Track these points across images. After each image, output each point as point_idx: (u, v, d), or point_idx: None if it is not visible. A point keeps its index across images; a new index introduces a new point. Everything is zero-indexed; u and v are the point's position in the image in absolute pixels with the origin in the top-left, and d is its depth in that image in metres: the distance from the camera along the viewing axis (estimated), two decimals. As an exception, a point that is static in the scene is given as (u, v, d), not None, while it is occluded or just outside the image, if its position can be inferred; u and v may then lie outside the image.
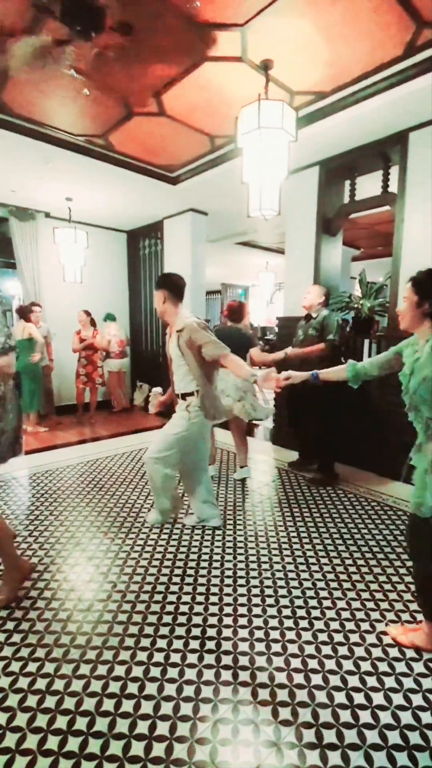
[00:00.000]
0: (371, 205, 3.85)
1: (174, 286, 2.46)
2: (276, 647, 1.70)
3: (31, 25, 2.38)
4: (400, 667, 1.61)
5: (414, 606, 1.95)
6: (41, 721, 1.38)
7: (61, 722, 1.37)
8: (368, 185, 3.91)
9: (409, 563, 2.26)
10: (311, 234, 4.11)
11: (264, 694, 1.49)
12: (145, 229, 6.36)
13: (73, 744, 1.30)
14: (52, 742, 1.30)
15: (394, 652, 1.68)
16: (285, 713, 1.41)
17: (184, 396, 2.48)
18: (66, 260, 5.23)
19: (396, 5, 2.26)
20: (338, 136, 3.49)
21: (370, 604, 1.97)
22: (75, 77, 2.85)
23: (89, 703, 1.44)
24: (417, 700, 1.47)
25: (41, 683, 1.52)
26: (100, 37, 2.44)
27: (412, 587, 2.08)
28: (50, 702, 1.45)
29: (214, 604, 1.96)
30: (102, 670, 1.59)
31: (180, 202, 5.16)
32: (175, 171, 4.52)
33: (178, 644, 1.71)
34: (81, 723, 1.37)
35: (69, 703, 1.44)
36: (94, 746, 1.29)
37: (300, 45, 2.57)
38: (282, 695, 1.48)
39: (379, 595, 2.04)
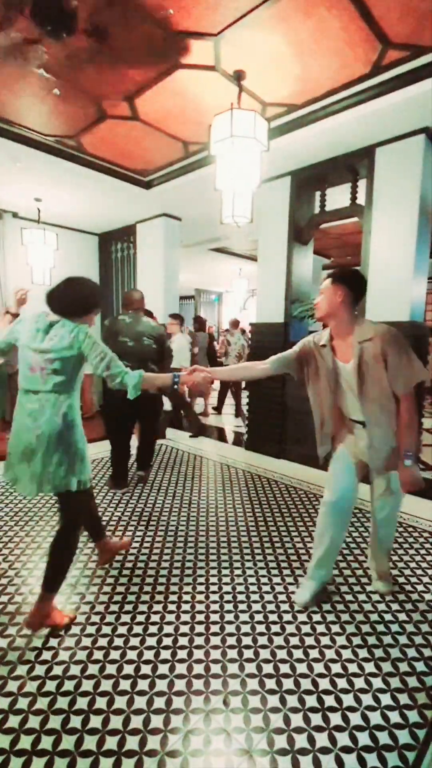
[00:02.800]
0: (340, 216, 3.97)
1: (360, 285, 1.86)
2: (248, 653, 1.70)
3: (1, 21, 2.32)
4: (369, 667, 1.64)
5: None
6: (3, 741, 1.31)
7: (25, 743, 1.31)
8: (338, 197, 4.04)
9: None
10: (283, 242, 4.19)
11: (236, 701, 1.48)
12: (117, 233, 6.30)
13: (38, 765, 1.24)
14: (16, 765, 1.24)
15: (363, 653, 1.71)
16: (257, 720, 1.41)
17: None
18: (34, 262, 5.09)
19: (363, 26, 2.36)
20: (309, 148, 3.59)
21: (344, 613, 2.00)
22: (45, 77, 2.80)
23: (55, 721, 1.38)
24: (385, 699, 1.50)
25: (2, 702, 1.45)
26: (72, 39, 2.42)
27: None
28: (13, 722, 1.38)
29: (185, 612, 1.94)
30: (69, 685, 1.53)
31: (153, 206, 5.15)
32: (149, 175, 4.51)
33: (149, 655, 1.68)
34: (46, 742, 1.31)
35: (33, 722, 1.38)
36: (61, 766, 1.24)
37: (272, 58, 2.63)
38: (254, 701, 1.48)
39: (349, 597, 2.07)
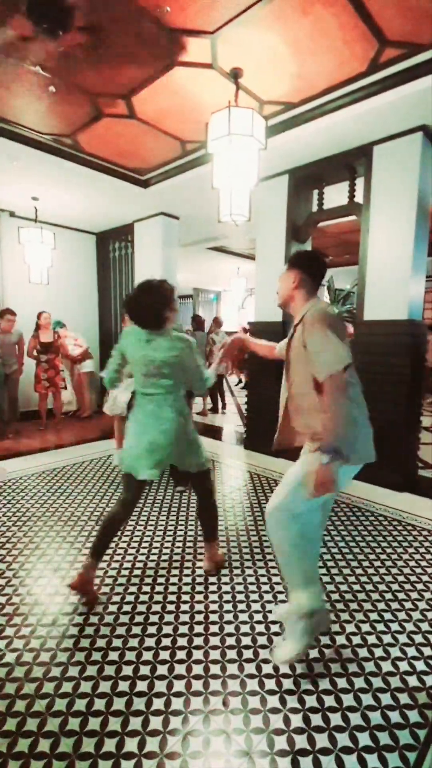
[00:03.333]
0: (338, 215, 3.96)
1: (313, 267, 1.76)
2: (247, 653, 1.69)
3: (-6, 18, 2.30)
4: (369, 666, 1.63)
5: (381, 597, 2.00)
6: (23, 745, 1.30)
7: (23, 746, 1.30)
8: (336, 195, 4.03)
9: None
10: (281, 241, 4.18)
11: (236, 702, 1.47)
12: (114, 232, 6.28)
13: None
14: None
15: (363, 652, 1.70)
16: (256, 721, 1.40)
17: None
18: (32, 261, 5.07)
19: (360, 23, 2.35)
20: (306, 147, 3.58)
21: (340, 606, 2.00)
22: (41, 74, 2.78)
23: (53, 724, 1.37)
24: (386, 699, 1.49)
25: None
26: (69, 36, 2.40)
27: (378, 578, 2.13)
28: (11, 724, 1.37)
29: (184, 612, 1.93)
30: (67, 687, 1.52)
31: (151, 205, 5.13)
32: (146, 174, 4.49)
33: (147, 656, 1.67)
34: (44, 745, 1.30)
35: (31, 724, 1.37)
36: (58, 769, 1.23)
37: (269, 56, 2.62)
38: (253, 702, 1.47)
39: (348, 596, 2.07)
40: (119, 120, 3.40)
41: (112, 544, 2.48)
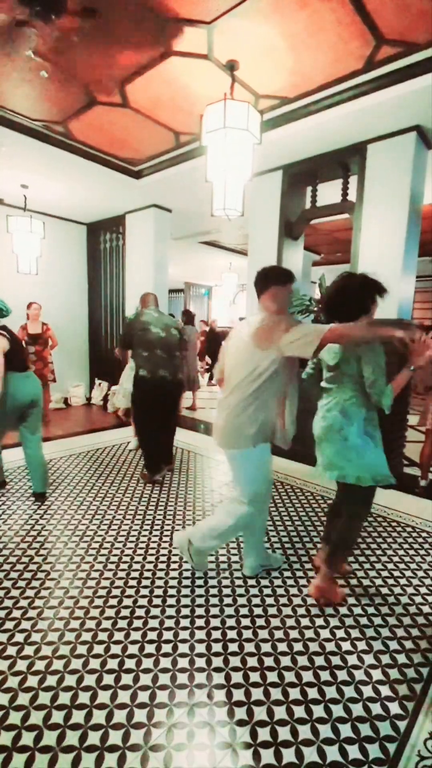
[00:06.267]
0: (331, 212, 3.97)
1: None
2: (233, 647, 1.70)
3: (-15, -3, 2.23)
4: (352, 659, 1.66)
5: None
6: (5, 738, 1.29)
7: (5, 739, 1.29)
8: (329, 193, 4.04)
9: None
10: (274, 237, 4.17)
11: (220, 695, 1.48)
12: (106, 223, 6.20)
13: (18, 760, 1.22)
14: (-5, 762, 1.22)
15: (346, 646, 1.73)
16: (240, 713, 1.41)
17: None
18: (20, 250, 4.98)
19: (357, 19, 2.34)
20: (301, 143, 3.57)
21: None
22: (33, 59, 2.71)
23: (36, 717, 1.37)
24: (367, 691, 1.52)
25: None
26: (62, 20, 2.34)
27: (372, 573, 2.16)
28: (14, 718, 1.36)
29: (171, 606, 1.93)
30: (51, 680, 1.51)
31: (143, 197, 5.07)
32: (139, 165, 4.43)
33: (133, 649, 1.67)
34: (27, 738, 1.30)
35: (14, 718, 1.36)
36: (42, 762, 1.23)
37: (265, 49, 2.60)
38: (238, 695, 1.48)
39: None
40: (112, 108, 3.34)
41: (90, 532, 2.48)
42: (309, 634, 1.79)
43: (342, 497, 2.07)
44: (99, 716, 1.38)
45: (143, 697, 1.46)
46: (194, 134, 3.68)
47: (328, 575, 1.97)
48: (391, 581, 2.19)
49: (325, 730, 1.36)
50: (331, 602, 1.97)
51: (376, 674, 1.60)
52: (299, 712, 1.43)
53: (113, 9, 2.29)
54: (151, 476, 3.40)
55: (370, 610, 1.96)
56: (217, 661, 1.63)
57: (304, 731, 1.36)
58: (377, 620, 1.89)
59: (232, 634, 1.77)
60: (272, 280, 1.93)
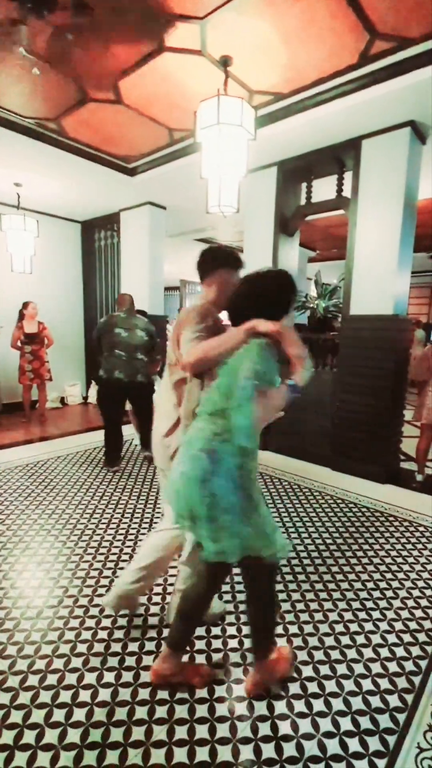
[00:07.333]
0: (326, 208, 3.97)
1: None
2: (233, 643, 1.71)
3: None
4: (351, 653, 1.67)
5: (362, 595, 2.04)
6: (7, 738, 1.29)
7: (7, 737, 1.29)
8: (324, 188, 4.03)
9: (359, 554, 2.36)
10: (269, 233, 4.16)
11: (220, 691, 1.49)
12: (100, 221, 6.16)
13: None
14: (-3, 761, 1.22)
15: (345, 640, 1.74)
16: (241, 708, 1.42)
17: None
18: (14, 249, 4.94)
19: (351, 14, 2.33)
20: (295, 139, 3.55)
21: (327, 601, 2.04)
22: (26, 56, 2.68)
23: (38, 715, 1.37)
24: (367, 685, 1.53)
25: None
26: (55, 16, 2.32)
27: (363, 576, 2.17)
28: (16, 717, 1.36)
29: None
30: (52, 679, 1.51)
31: (138, 194, 5.04)
32: (133, 162, 4.41)
33: (133, 647, 1.67)
34: (29, 737, 1.30)
35: (16, 716, 1.36)
36: (44, 760, 1.23)
37: (259, 45, 2.58)
38: (238, 690, 1.49)
39: (331, 585, 2.10)
40: (105, 105, 3.31)
41: (89, 531, 2.48)
42: (309, 629, 1.80)
43: None
44: (100, 714, 1.38)
45: (143, 694, 1.46)
46: (188, 130, 3.66)
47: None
48: (389, 575, 2.21)
49: (325, 724, 1.37)
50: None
51: (375, 667, 1.61)
52: (299, 706, 1.43)
53: (105, 4, 2.27)
54: (110, 467, 3.63)
55: (369, 604, 1.97)
56: (217, 657, 1.63)
57: (305, 725, 1.37)
58: (375, 614, 1.91)
59: (231, 630, 1.78)
60: (221, 262, 1.62)
